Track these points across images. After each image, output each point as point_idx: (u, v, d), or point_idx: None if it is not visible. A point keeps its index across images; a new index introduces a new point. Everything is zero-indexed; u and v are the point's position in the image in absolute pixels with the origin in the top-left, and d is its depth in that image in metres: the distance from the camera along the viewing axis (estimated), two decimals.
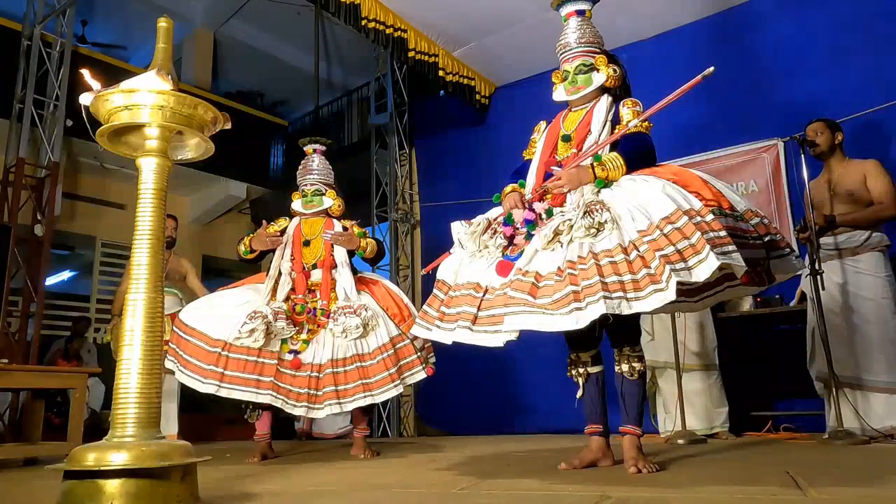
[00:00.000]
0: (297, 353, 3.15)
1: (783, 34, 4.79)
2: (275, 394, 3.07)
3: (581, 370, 2.30)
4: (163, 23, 1.69)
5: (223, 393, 3.03)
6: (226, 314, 3.17)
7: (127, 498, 1.36)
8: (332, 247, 3.43)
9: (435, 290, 2.22)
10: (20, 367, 3.89)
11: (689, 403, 3.88)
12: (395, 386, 3.13)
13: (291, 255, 3.42)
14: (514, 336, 1.92)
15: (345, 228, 3.50)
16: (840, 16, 4.55)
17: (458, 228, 2.28)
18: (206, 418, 6.16)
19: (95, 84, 1.57)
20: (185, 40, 8.60)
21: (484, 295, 2.05)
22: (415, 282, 6.84)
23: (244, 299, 3.26)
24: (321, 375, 3.10)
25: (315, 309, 3.30)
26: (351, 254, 3.51)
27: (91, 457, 1.39)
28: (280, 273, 3.37)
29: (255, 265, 3.97)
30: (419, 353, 3.25)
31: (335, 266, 3.41)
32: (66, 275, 9.68)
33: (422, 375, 3.24)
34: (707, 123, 4.93)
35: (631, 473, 2.00)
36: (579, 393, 2.31)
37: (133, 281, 1.54)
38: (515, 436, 4.99)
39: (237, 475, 2.48)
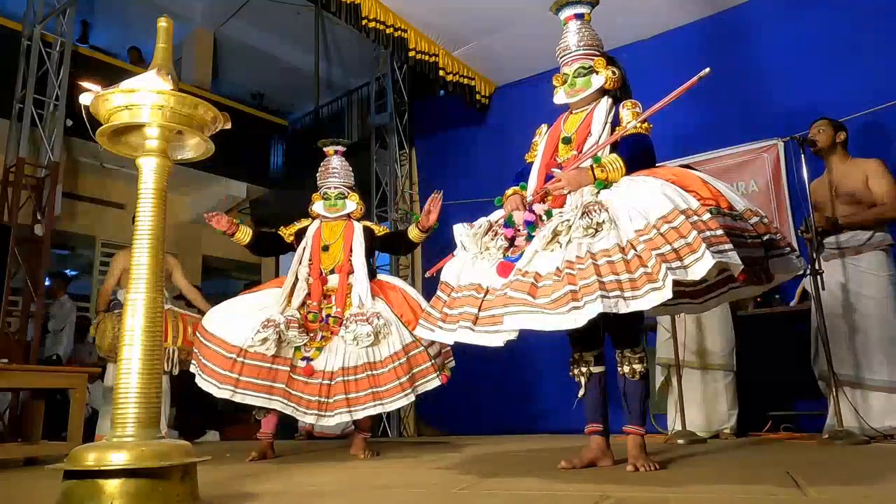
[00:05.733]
0: (309, 360, 3.13)
1: (783, 34, 4.79)
2: (285, 401, 3.08)
3: (584, 370, 2.30)
4: (163, 23, 1.69)
5: (238, 398, 3.06)
6: (243, 320, 3.16)
7: (127, 498, 1.36)
8: (351, 252, 3.38)
9: (438, 292, 2.23)
10: (20, 367, 3.89)
11: (704, 403, 3.88)
12: (406, 395, 3.07)
13: (310, 260, 3.39)
14: (513, 336, 1.93)
15: (366, 229, 3.49)
16: (840, 16, 4.55)
17: (459, 231, 2.29)
18: (206, 418, 6.16)
19: (95, 88, 1.56)
20: (185, 40, 8.61)
21: (485, 296, 2.06)
22: (415, 281, 6.84)
23: (262, 304, 3.25)
24: (332, 383, 3.08)
25: (328, 316, 3.26)
26: (370, 256, 3.48)
27: (91, 457, 1.39)
28: (297, 279, 3.34)
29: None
30: (434, 360, 3.17)
31: (352, 271, 3.36)
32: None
33: (436, 383, 3.16)
34: (707, 123, 4.93)
35: (629, 471, 2.01)
36: (581, 392, 2.31)
37: (133, 281, 1.54)
38: (515, 436, 4.99)
39: (237, 475, 2.48)
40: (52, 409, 3.96)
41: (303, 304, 3.28)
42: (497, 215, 2.35)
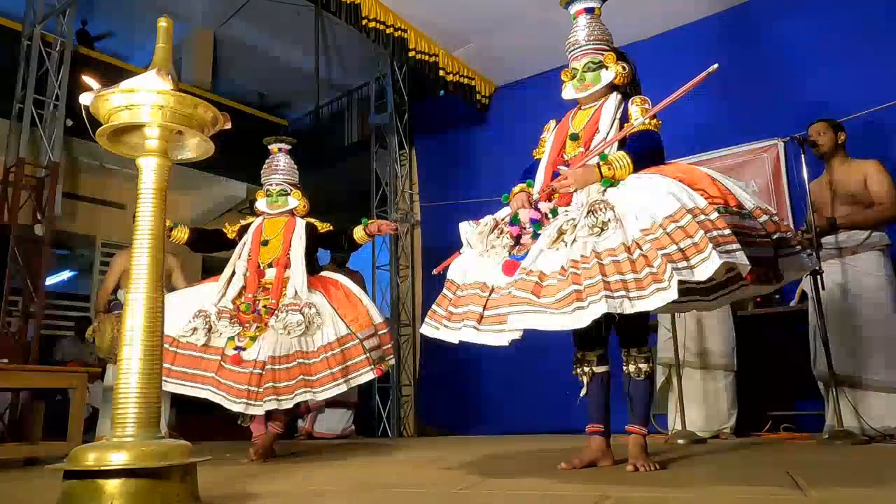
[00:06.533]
0: (242, 349, 3.15)
1: (784, 34, 4.79)
2: (215, 389, 3.09)
3: (586, 369, 2.30)
4: (163, 23, 1.69)
5: (169, 388, 3.09)
6: (181, 311, 3.22)
7: (127, 498, 1.36)
8: (290, 246, 3.44)
9: (444, 290, 2.22)
10: (20, 367, 3.89)
11: (704, 403, 3.87)
12: (337, 385, 3.08)
13: (249, 254, 3.46)
14: (518, 335, 1.92)
15: (308, 225, 3.55)
16: (841, 16, 4.55)
17: (465, 228, 2.28)
18: (205, 418, 6.15)
19: (96, 85, 1.57)
20: (185, 40, 8.60)
21: (490, 294, 2.05)
22: (414, 281, 6.84)
23: (200, 296, 3.33)
24: (263, 372, 3.08)
25: (263, 307, 3.29)
26: (312, 252, 3.53)
27: (91, 457, 1.38)
28: (235, 272, 3.41)
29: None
30: (368, 354, 3.18)
31: (290, 265, 3.41)
32: (66, 275, 9.69)
33: (370, 377, 3.19)
34: (707, 123, 4.93)
35: (629, 471, 2.01)
36: (583, 391, 2.31)
37: (133, 281, 1.54)
38: (515, 436, 4.99)
39: (237, 475, 2.48)
40: (52, 409, 3.96)
41: (239, 295, 3.35)
42: (503, 213, 2.34)
